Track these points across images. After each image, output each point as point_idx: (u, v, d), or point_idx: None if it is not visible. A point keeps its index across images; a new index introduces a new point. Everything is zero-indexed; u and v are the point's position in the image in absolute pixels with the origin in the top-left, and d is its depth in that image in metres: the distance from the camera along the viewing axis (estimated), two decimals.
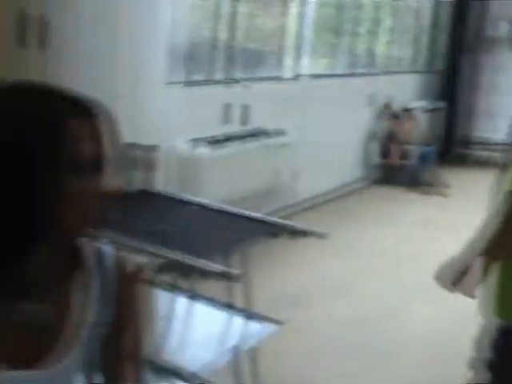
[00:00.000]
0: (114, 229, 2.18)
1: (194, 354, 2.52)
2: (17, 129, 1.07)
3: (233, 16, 4.93)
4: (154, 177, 2.65)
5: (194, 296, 2.70)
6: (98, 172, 1.11)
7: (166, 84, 3.92)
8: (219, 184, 4.06)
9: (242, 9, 5.09)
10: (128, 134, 3.21)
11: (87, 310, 1.22)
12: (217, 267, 2.07)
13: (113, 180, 1.13)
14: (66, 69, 3.03)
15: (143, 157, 2.62)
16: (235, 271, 2.04)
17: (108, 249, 1.25)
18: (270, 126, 4.97)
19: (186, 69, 4.78)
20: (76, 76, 3.05)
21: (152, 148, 2.62)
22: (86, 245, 1.22)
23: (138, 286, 1.29)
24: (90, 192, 1.10)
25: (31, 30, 2.76)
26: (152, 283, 2.18)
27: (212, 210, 2.64)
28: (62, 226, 1.11)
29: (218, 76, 4.94)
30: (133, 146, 2.69)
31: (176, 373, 2.46)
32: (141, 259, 2.06)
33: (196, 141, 4.32)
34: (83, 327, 1.21)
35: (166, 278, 2.63)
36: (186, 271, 2.19)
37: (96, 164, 1.11)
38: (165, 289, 2.71)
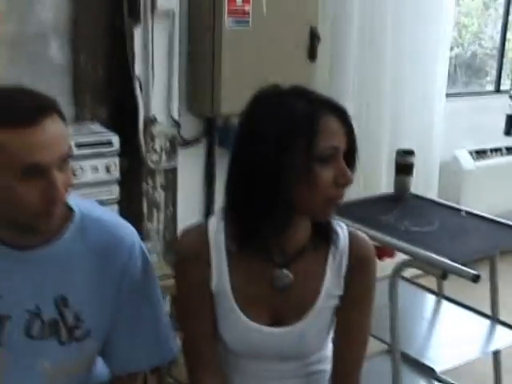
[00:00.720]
0: (363, 222, 2.45)
1: (438, 353, 2.62)
2: (283, 120, 1.31)
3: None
4: (411, 180, 2.81)
5: (440, 296, 2.83)
6: (348, 164, 1.35)
7: (447, 96, 4.06)
8: (482, 196, 4.07)
9: None
10: (403, 139, 3.44)
11: (323, 280, 1.45)
12: (465, 269, 2.14)
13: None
14: (338, 78, 3.37)
15: (402, 161, 2.80)
16: (476, 273, 2.11)
17: (345, 230, 1.47)
18: None
19: (465, 80, 4.84)
20: (350, 83, 3.39)
21: (410, 153, 2.79)
22: (328, 224, 1.45)
23: (370, 267, 1.48)
24: (336, 181, 1.33)
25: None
26: (398, 278, 2.37)
27: (472, 215, 2.71)
28: (312, 207, 1.37)
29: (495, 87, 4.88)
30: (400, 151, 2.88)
31: (424, 369, 2.62)
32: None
33: (473, 152, 4.36)
34: (319, 295, 1.45)
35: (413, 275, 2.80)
36: (435, 271, 2.30)
37: (345, 157, 1.34)
38: (413, 286, 2.89)
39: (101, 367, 1.59)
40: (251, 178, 1.35)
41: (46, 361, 1.43)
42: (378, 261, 3.87)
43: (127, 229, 1.49)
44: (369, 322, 1.50)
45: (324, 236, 1.44)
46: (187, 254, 1.45)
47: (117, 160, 2.65)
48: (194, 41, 3.03)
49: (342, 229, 1.47)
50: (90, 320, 1.44)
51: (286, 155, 1.30)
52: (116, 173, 2.65)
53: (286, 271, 1.43)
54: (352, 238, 1.47)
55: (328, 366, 1.55)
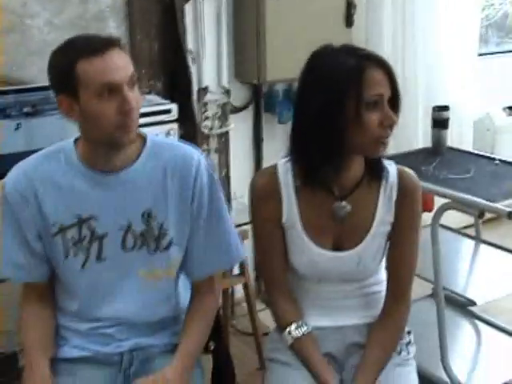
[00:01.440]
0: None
1: (478, 289, 2.80)
2: (335, 73, 1.55)
3: None
4: (447, 134, 3.01)
5: (478, 240, 3.04)
6: (392, 108, 1.56)
7: (479, 55, 4.22)
8: None
9: None
10: (438, 97, 3.62)
11: (376, 210, 1.68)
12: (500, 207, 2.31)
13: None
14: (374, 42, 3.59)
15: (438, 116, 2.99)
16: (510, 209, 2.27)
17: (393, 166, 1.71)
18: None
19: (498, 39, 4.98)
20: (385, 46, 3.60)
21: (445, 108, 2.99)
22: (380, 161, 1.68)
23: (416, 195, 1.71)
24: (382, 123, 1.55)
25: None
26: (439, 221, 2.58)
27: (505, 163, 2.88)
28: (363, 147, 1.59)
29: None
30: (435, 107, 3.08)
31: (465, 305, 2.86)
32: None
33: (506, 108, 4.53)
34: (373, 223, 1.69)
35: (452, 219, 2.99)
36: (472, 211, 2.49)
37: (390, 102, 1.56)
38: (451, 229, 3.10)
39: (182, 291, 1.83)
40: (310, 124, 1.59)
41: (140, 268, 1.68)
42: None
43: (192, 149, 1.74)
44: (417, 241, 1.74)
45: (376, 171, 1.68)
46: (261, 193, 1.71)
47: (176, 126, 2.88)
48: (239, 13, 3.26)
49: (390, 165, 1.72)
50: (172, 229, 1.67)
51: (338, 102, 1.54)
52: (175, 138, 2.90)
53: (344, 203, 1.67)
54: (400, 172, 1.71)
55: (383, 288, 1.80)
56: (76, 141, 1.69)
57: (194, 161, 1.68)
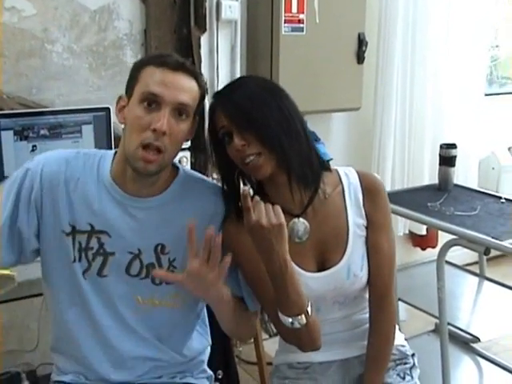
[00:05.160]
0: (413, 208, 2.70)
1: (482, 326, 2.82)
2: None
3: None
4: (453, 171, 3.06)
5: (483, 275, 3.07)
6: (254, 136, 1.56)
7: (486, 95, 4.30)
8: None
9: None
10: (444, 136, 3.68)
11: (347, 215, 1.67)
12: (505, 244, 2.38)
13: None
14: (384, 79, 3.67)
15: (446, 154, 3.05)
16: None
17: (352, 170, 1.72)
18: None
19: (503, 80, 5.07)
20: (395, 83, 3.66)
21: (453, 146, 3.05)
22: (333, 171, 1.71)
23: (381, 193, 1.70)
24: (237, 151, 1.56)
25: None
26: (445, 257, 2.62)
27: (510, 201, 2.95)
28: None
29: None
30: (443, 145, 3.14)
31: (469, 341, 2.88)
32: None
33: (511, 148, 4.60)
34: (348, 228, 1.66)
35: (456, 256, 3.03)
36: (478, 248, 2.53)
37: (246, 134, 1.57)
38: (456, 266, 3.13)
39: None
40: None
41: (139, 295, 1.64)
42: (421, 250, 4.11)
43: (221, 195, 1.68)
44: (392, 244, 1.71)
45: (330, 183, 1.68)
46: (232, 236, 1.62)
47: (188, 155, 2.94)
48: (253, 45, 3.33)
49: (350, 171, 1.72)
50: (182, 268, 1.58)
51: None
52: (187, 166, 2.94)
53: (300, 219, 1.64)
54: (360, 174, 1.71)
55: None
56: (116, 154, 1.66)
57: (221, 210, 1.65)
